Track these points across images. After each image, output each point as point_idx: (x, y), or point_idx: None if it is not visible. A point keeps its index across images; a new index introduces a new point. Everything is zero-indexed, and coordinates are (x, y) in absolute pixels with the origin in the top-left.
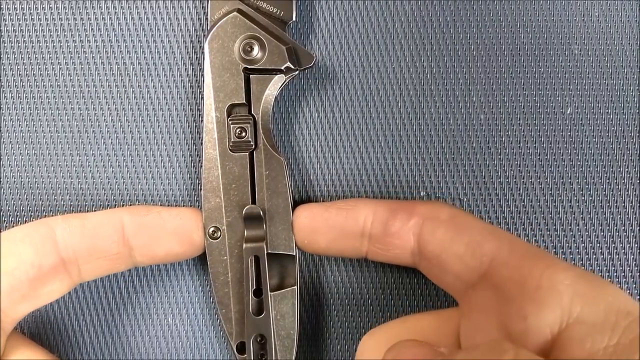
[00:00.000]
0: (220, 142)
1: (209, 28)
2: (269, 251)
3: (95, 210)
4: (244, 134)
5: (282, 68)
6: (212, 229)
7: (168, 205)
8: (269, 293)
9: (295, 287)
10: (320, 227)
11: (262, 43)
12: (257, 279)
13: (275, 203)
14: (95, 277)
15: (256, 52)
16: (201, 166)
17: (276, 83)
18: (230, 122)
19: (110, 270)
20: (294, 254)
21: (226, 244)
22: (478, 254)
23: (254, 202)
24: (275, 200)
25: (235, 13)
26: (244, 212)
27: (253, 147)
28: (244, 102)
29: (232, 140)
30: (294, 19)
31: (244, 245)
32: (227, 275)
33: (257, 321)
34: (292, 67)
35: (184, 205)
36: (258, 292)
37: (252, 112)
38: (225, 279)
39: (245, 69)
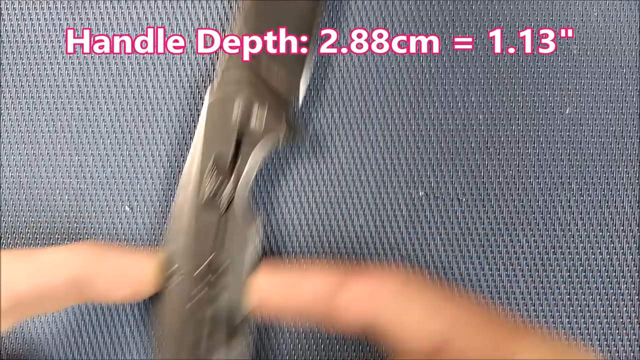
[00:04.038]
0: (194, 194)
1: (213, 78)
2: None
3: (94, 210)
4: (219, 192)
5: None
6: (170, 273)
7: (168, 206)
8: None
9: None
10: (274, 292)
11: (260, 116)
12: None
13: (239, 260)
14: (37, 315)
15: (253, 122)
16: (169, 211)
17: (266, 146)
18: (209, 177)
19: (55, 310)
20: (248, 313)
21: (182, 291)
22: (429, 328)
23: (217, 254)
24: (239, 256)
25: (241, 78)
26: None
27: (226, 207)
28: (230, 159)
29: (206, 195)
30: (299, 106)
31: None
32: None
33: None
34: (285, 143)
35: None
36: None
37: (236, 169)
38: (173, 327)
39: (239, 132)
